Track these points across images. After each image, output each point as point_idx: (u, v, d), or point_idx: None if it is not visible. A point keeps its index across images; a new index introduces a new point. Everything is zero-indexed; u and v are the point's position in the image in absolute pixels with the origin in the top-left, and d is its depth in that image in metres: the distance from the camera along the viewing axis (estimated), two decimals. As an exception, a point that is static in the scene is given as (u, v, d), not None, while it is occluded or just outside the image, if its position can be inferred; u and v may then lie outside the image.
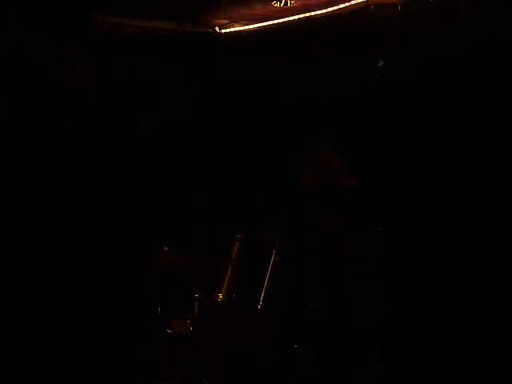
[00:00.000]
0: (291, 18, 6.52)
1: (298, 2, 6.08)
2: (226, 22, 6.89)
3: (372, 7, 5.86)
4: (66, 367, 5.74)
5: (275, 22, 6.66)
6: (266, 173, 6.85)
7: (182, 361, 5.44)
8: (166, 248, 5.93)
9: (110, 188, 6.51)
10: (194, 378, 5.40)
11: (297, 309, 5.79)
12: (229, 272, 5.80)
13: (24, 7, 6.08)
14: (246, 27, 6.92)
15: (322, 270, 5.86)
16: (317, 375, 5.64)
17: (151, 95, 6.97)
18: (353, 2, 5.99)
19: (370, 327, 5.69)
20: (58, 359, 5.78)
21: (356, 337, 5.69)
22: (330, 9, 6.17)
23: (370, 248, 5.79)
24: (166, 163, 6.84)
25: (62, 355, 5.80)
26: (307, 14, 6.37)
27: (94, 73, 6.54)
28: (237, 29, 6.98)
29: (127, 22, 6.70)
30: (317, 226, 6.09)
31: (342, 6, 6.07)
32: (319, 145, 6.42)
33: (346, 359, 5.67)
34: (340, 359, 5.68)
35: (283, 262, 5.75)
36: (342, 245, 5.91)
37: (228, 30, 7.05)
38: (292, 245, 5.88)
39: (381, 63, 5.94)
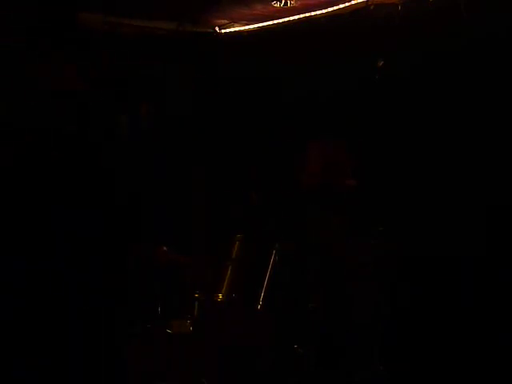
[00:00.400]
0: (291, 18, 6.52)
1: (298, 2, 6.08)
2: (226, 21, 6.89)
3: (372, 7, 5.86)
4: (66, 367, 5.74)
5: (275, 21, 6.66)
6: (266, 173, 6.85)
7: (182, 361, 5.44)
8: (165, 248, 5.93)
9: (109, 188, 6.51)
10: (194, 378, 5.40)
11: (297, 309, 5.79)
12: (229, 272, 5.80)
13: (24, 7, 6.08)
14: (246, 27, 6.92)
15: (322, 270, 5.86)
16: (317, 375, 5.64)
17: (151, 95, 6.97)
18: (353, 2, 5.99)
19: (370, 327, 5.69)
20: (58, 359, 5.77)
21: (356, 337, 5.69)
22: (330, 9, 6.17)
23: (370, 248, 5.80)
24: (165, 163, 6.84)
25: (62, 355, 5.79)
26: (307, 14, 6.37)
27: (92, 73, 6.54)
28: (237, 29, 6.98)
29: (127, 22, 6.70)
30: (317, 226, 6.09)
31: (342, 6, 6.07)
32: (319, 145, 6.43)
33: (346, 359, 5.67)
34: (340, 359, 5.68)
35: (283, 261, 5.75)
36: (342, 245, 5.91)
37: (228, 30, 7.05)
38: (292, 245, 5.88)
39: (381, 63, 5.94)
